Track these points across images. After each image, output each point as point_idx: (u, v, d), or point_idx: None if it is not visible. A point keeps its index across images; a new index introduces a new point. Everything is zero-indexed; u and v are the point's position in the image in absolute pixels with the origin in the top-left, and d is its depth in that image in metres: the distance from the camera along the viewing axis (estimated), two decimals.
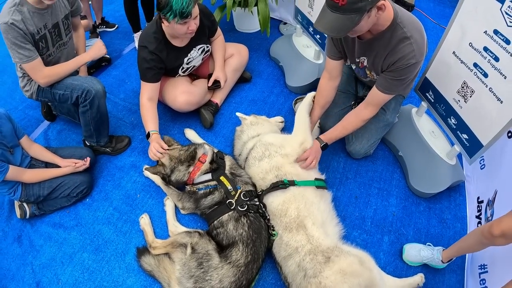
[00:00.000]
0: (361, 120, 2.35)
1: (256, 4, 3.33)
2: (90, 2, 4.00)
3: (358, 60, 2.28)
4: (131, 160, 2.79)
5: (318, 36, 3.10)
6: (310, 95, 2.50)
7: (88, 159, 2.53)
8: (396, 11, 1.94)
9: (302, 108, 2.47)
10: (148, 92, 2.59)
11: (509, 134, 2.17)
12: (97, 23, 4.07)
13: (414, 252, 2.21)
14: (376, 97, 2.22)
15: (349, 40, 2.20)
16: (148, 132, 2.50)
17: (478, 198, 2.40)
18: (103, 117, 2.63)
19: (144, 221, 2.38)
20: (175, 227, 2.34)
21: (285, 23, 4.10)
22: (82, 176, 2.51)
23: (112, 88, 3.38)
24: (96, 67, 3.56)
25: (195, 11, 2.34)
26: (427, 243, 2.26)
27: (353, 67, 2.43)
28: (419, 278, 2.12)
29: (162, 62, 2.61)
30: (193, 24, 2.40)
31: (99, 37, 3.94)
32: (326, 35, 2.34)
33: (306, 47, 3.44)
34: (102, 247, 2.34)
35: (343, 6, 1.66)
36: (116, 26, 4.22)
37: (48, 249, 2.34)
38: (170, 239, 2.21)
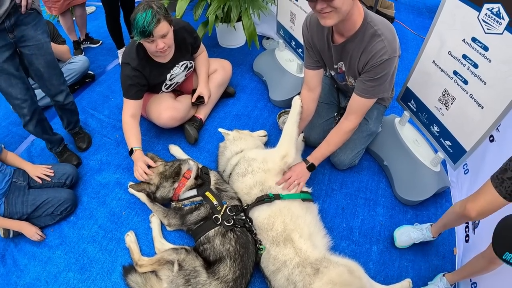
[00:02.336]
0: (344, 132, 2.29)
1: (238, 20, 3.32)
2: (74, 18, 3.97)
3: (337, 66, 2.26)
4: (116, 177, 2.72)
5: (300, 50, 3.11)
6: (297, 102, 2.42)
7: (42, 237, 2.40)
8: (366, 12, 1.94)
9: (290, 119, 2.41)
10: (131, 109, 2.54)
11: (491, 139, 2.18)
12: (81, 39, 4.03)
13: (405, 238, 2.23)
14: (355, 104, 2.17)
15: (325, 47, 2.18)
16: (131, 149, 2.45)
17: None
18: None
19: (130, 239, 2.30)
20: (161, 244, 2.28)
21: (268, 38, 4.11)
22: (66, 194, 2.43)
23: (96, 105, 3.33)
24: (80, 83, 3.51)
25: (161, 29, 2.28)
26: (415, 224, 2.27)
27: (333, 73, 2.40)
28: (406, 283, 2.09)
29: (145, 79, 2.57)
30: (161, 43, 2.34)
31: (83, 53, 3.88)
32: (303, 46, 2.32)
33: (289, 61, 3.44)
34: (87, 266, 2.25)
35: None
36: (101, 42, 4.19)
37: (32, 269, 2.25)
38: (156, 257, 2.13)
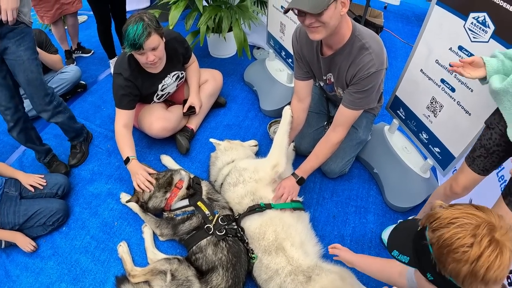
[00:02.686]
0: (331, 144, 2.30)
1: (230, 30, 3.34)
2: (66, 27, 3.96)
3: (325, 77, 2.28)
4: (108, 187, 2.72)
5: (290, 60, 3.13)
6: (287, 112, 2.44)
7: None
8: (355, 25, 1.97)
9: (281, 129, 2.43)
10: (123, 119, 2.54)
11: None
12: (73, 49, 4.02)
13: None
14: (343, 115, 2.19)
15: (314, 59, 2.21)
16: (127, 158, 2.44)
17: None
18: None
19: (122, 249, 2.30)
20: (154, 254, 2.27)
21: (258, 48, 4.13)
22: (58, 204, 2.42)
23: (88, 115, 3.32)
24: (72, 93, 3.50)
25: (151, 43, 2.28)
26: (399, 221, 2.28)
27: (322, 84, 2.42)
28: None
29: (137, 89, 2.58)
30: (151, 55, 2.34)
31: (75, 62, 3.88)
32: (293, 57, 2.36)
33: (279, 71, 3.46)
34: (80, 276, 2.24)
35: None
36: (92, 51, 4.18)
37: (24, 280, 2.23)
38: (149, 267, 2.13)
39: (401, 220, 1.35)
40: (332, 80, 2.25)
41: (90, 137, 3.05)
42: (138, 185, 2.32)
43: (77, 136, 2.86)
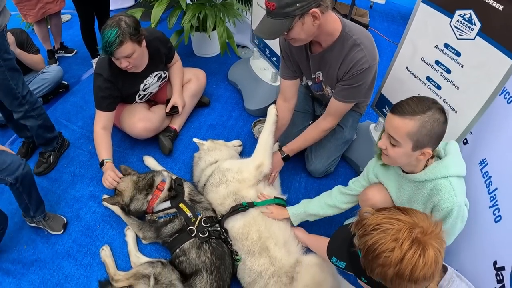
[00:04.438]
0: (321, 130, 2.32)
1: (214, 28, 3.29)
2: (49, 27, 3.87)
3: (314, 76, 2.26)
4: (90, 190, 2.64)
5: (274, 58, 3.10)
6: (272, 111, 2.40)
7: None
8: (344, 22, 1.95)
9: (266, 129, 2.39)
10: (102, 120, 2.49)
11: (465, 141, 2.19)
12: (56, 48, 3.93)
13: None
14: (335, 107, 2.19)
15: (303, 57, 2.18)
16: (102, 161, 2.40)
17: None
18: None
19: (105, 253, 2.24)
20: (137, 258, 2.21)
21: (243, 47, 4.07)
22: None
23: (70, 116, 3.23)
24: (53, 94, 3.40)
25: (123, 51, 2.25)
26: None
27: (309, 83, 2.40)
28: None
29: (118, 90, 2.52)
30: (124, 62, 2.32)
31: (57, 62, 3.78)
32: (280, 56, 2.33)
33: (263, 69, 3.42)
34: (63, 282, 2.17)
35: (274, 11, 1.73)
36: (75, 51, 4.08)
37: (7, 286, 2.15)
38: (132, 271, 2.08)
39: (340, 227, 1.38)
40: (321, 78, 2.24)
41: (66, 146, 2.93)
42: (110, 183, 2.29)
43: (46, 144, 2.75)
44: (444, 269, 1.25)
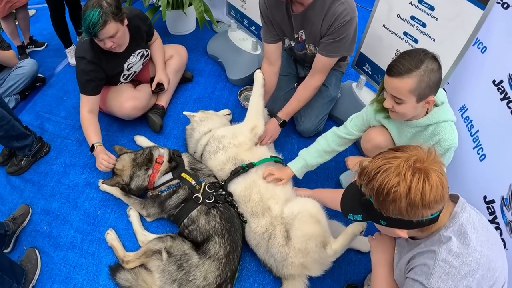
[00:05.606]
0: (312, 88, 2.36)
1: (190, 4, 3.23)
2: (17, 23, 3.69)
3: (297, 35, 2.29)
4: (84, 177, 2.57)
5: (253, 27, 3.08)
6: (259, 75, 2.39)
7: None
8: None
9: (255, 92, 2.38)
10: (88, 104, 2.43)
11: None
12: (26, 43, 3.75)
13: (350, 178, 2.39)
14: (321, 63, 2.23)
15: (285, 18, 2.21)
16: (92, 145, 2.34)
17: None
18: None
19: (111, 237, 2.18)
20: (144, 236, 2.17)
21: (217, 22, 4.00)
22: None
23: (51, 108, 3.11)
24: (30, 88, 3.26)
25: (107, 31, 2.20)
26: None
27: (292, 44, 2.42)
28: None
29: (103, 72, 2.45)
30: (109, 42, 2.27)
31: (28, 57, 3.62)
32: (262, 21, 2.35)
33: (243, 40, 3.40)
34: (71, 274, 2.10)
35: None
36: (46, 44, 3.91)
37: None
38: (142, 249, 2.03)
39: (346, 187, 1.44)
40: (304, 37, 2.27)
41: (44, 153, 2.72)
42: (106, 167, 2.25)
43: (18, 150, 2.59)
44: (456, 198, 1.30)
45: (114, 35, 2.25)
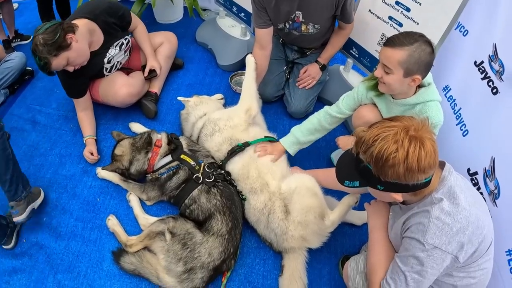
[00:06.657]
0: (344, 36, 2.57)
1: None
2: (1, 17, 3.60)
3: (293, 15, 2.35)
4: (81, 166, 2.56)
5: (243, 14, 3.10)
6: (251, 59, 2.42)
7: None
8: None
9: (247, 76, 2.42)
10: (79, 105, 2.60)
11: None
12: (11, 37, 3.67)
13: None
14: (349, 29, 2.50)
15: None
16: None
17: None
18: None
19: (112, 222, 2.19)
20: (146, 220, 2.19)
21: (204, 10, 3.99)
22: None
23: (42, 100, 3.06)
24: (19, 82, 3.19)
25: (57, 66, 2.24)
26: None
27: (287, 25, 2.47)
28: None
29: (83, 75, 2.50)
30: (69, 67, 2.30)
31: (14, 51, 3.55)
32: (254, 8, 2.41)
33: (232, 27, 3.41)
34: (74, 262, 2.11)
35: None
36: (31, 37, 3.80)
37: (17, 282, 2.04)
38: (144, 232, 2.05)
39: (340, 156, 1.54)
40: (301, 18, 2.36)
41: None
42: (91, 160, 2.49)
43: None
44: (442, 164, 1.40)
45: (66, 63, 2.24)
